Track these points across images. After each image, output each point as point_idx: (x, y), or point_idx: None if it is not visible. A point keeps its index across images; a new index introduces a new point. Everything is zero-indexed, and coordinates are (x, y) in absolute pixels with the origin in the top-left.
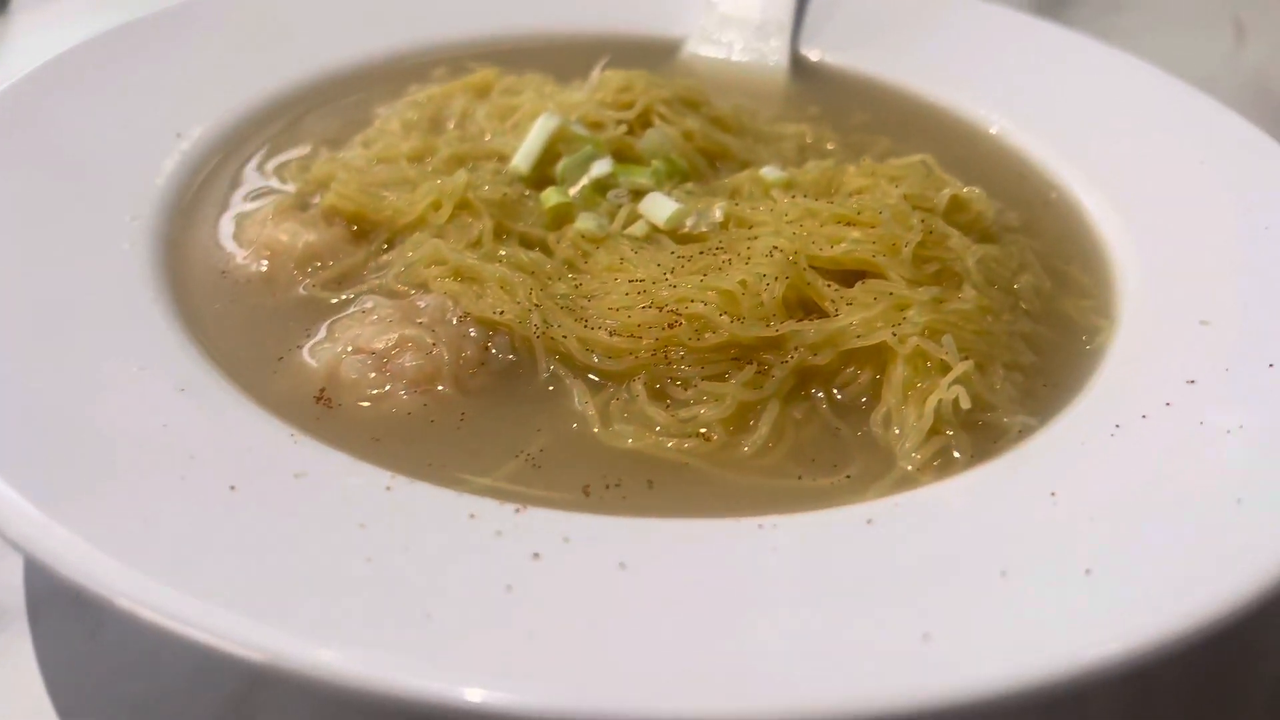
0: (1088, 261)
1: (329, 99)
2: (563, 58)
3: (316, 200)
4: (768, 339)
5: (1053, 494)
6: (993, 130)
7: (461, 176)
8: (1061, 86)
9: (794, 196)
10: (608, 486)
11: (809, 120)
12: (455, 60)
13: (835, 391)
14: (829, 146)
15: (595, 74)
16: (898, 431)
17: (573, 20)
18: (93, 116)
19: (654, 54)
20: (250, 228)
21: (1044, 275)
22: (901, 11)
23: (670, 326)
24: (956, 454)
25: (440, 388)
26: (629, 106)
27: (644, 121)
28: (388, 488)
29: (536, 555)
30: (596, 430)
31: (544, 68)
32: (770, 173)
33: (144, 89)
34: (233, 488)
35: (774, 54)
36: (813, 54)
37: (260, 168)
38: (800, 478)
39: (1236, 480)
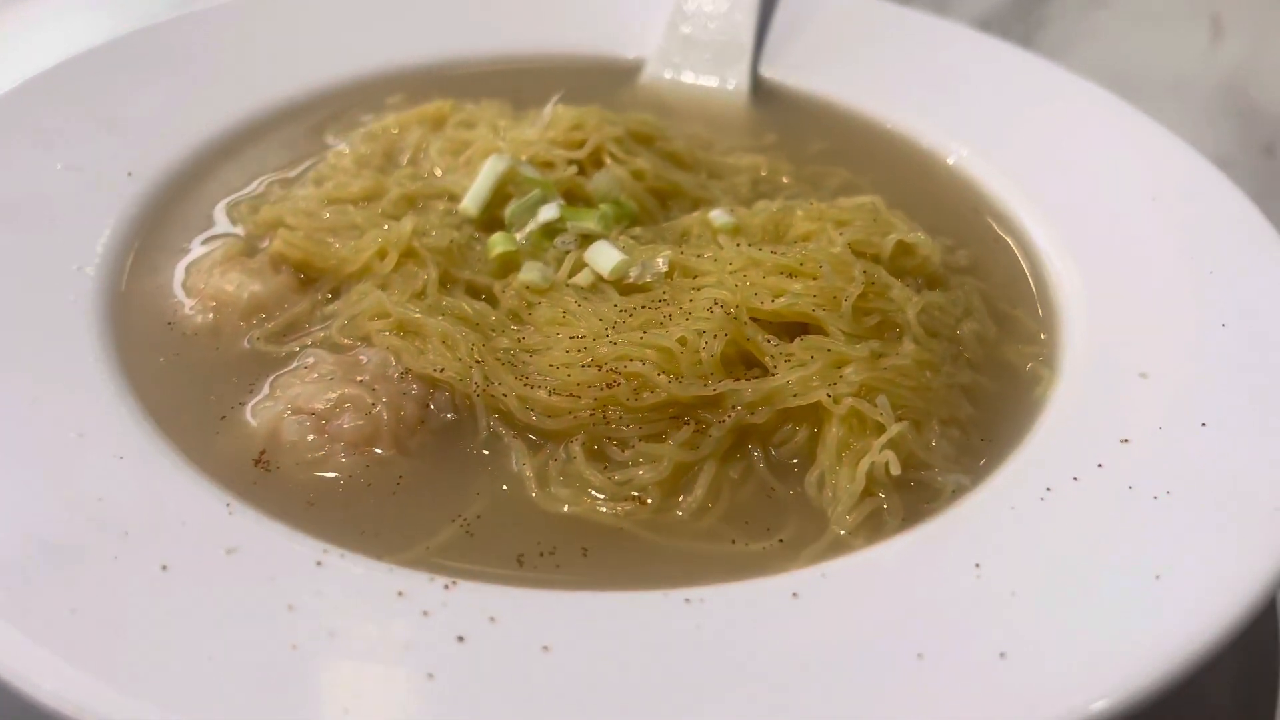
0: (1034, 305)
1: (283, 128)
2: (524, 80)
3: (265, 244)
4: (705, 398)
5: (977, 565)
6: (950, 160)
7: (407, 224)
8: (1021, 114)
9: (739, 244)
10: (542, 554)
11: (766, 150)
12: (414, 85)
13: (772, 450)
14: (784, 180)
15: (548, 110)
16: (830, 494)
17: (534, 42)
18: (39, 158)
19: (616, 75)
20: (197, 277)
21: (989, 321)
22: (865, 33)
23: (609, 386)
24: (888, 518)
25: (379, 450)
26: (580, 145)
27: (595, 160)
28: (318, 563)
29: (461, 639)
30: (533, 494)
31: (504, 91)
32: (718, 217)
33: (93, 126)
34: (164, 567)
35: (735, 78)
36: (774, 75)
37: (212, 207)
38: (734, 542)
39: (1157, 554)
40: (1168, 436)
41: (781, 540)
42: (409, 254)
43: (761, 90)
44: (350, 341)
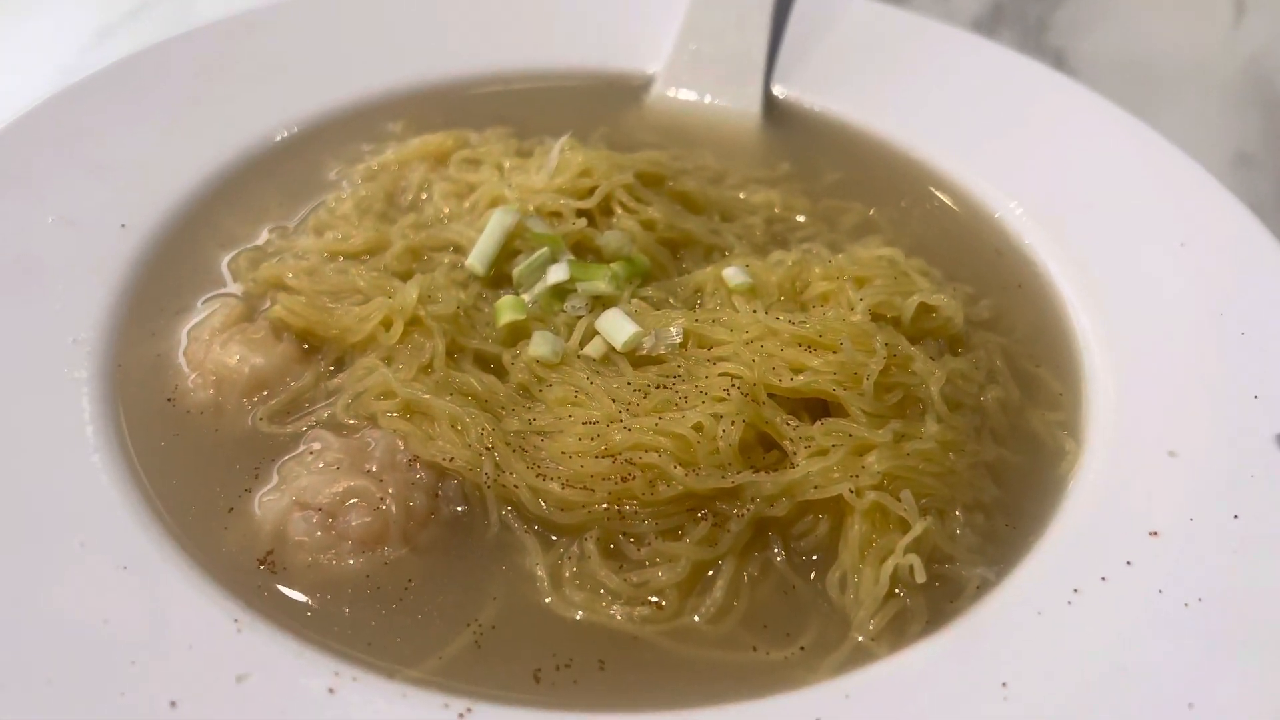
0: (1059, 363)
1: (281, 163)
2: (529, 101)
3: (266, 306)
4: (723, 490)
5: (1004, 685)
6: (972, 192)
7: (413, 291)
8: (1045, 141)
9: (755, 309)
10: (558, 668)
11: (779, 183)
12: (416, 108)
13: (792, 542)
14: (799, 219)
15: (554, 155)
16: (853, 596)
17: (539, 60)
18: (30, 211)
19: (623, 94)
20: (196, 347)
21: (1012, 385)
22: (884, 48)
23: (624, 480)
24: (912, 621)
25: (388, 548)
26: (589, 193)
27: (604, 209)
28: (330, 690)
29: None
30: (548, 600)
31: (510, 113)
32: (733, 276)
33: (83, 171)
34: (173, 704)
35: (746, 97)
36: (788, 93)
37: (209, 260)
38: (755, 649)
39: (1189, 677)
40: (1198, 530)
41: (803, 648)
42: (415, 323)
43: (774, 109)
44: (355, 421)
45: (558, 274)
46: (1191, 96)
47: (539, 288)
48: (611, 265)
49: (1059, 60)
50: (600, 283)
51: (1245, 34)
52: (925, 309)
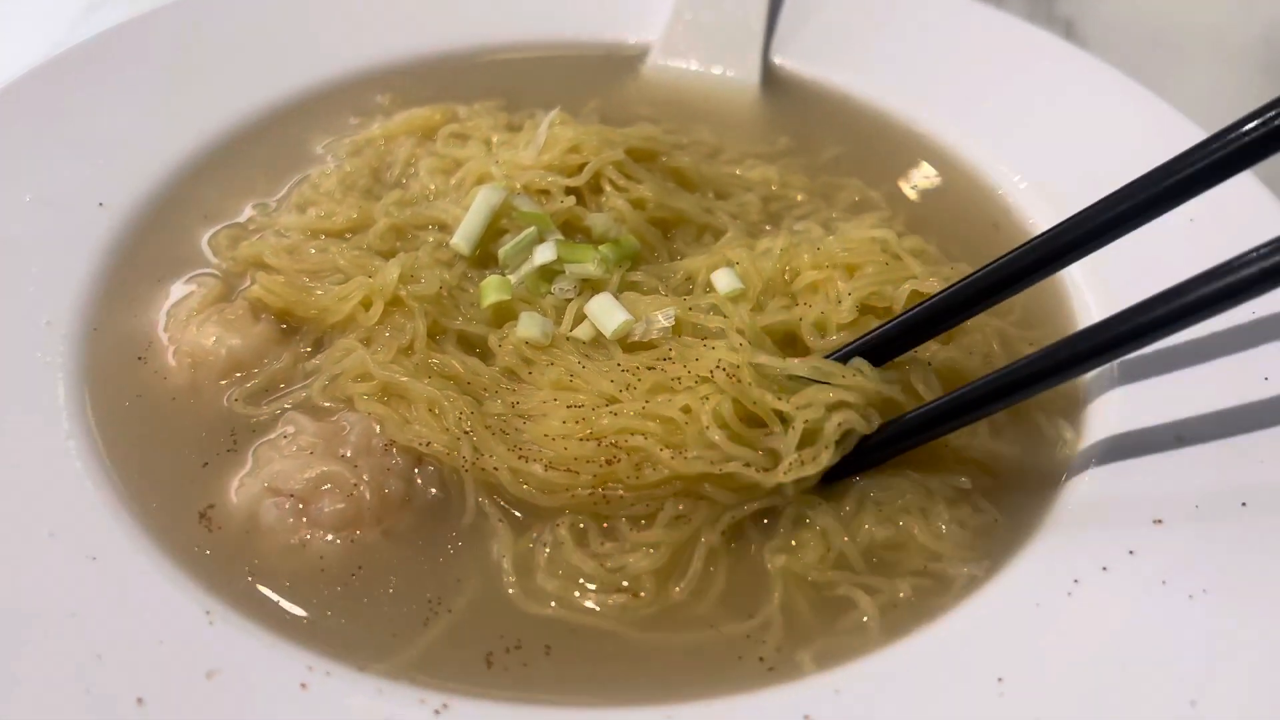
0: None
1: (265, 137)
2: (521, 70)
3: (245, 286)
4: (711, 475)
5: (1000, 680)
6: (972, 165)
7: (394, 270)
8: (1052, 113)
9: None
10: (508, 650)
11: (777, 159)
12: (405, 79)
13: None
14: (798, 198)
15: (543, 129)
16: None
17: (532, 29)
18: (6, 189)
19: (618, 64)
20: (173, 329)
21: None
22: (886, 17)
23: (609, 462)
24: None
25: (361, 533)
26: (578, 170)
27: (594, 187)
28: (303, 685)
29: None
30: (512, 591)
31: (501, 83)
32: (721, 280)
33: (61, 148)
34: (140, 700)
35: (744, 67)
36: (786, 63)
37: (189, 239)
38: (713, 627)
39: (1192, 673)
40: (1204, 519)
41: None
42: (395, 303)
43: (773, 79)
44: (331, 404)
45: (545, 254)
46: (1206, 64)
47: (525, 268)
48: (600, 247)
49: (1069, 28)
50: (589, 265)
51: (1259, 1)
52: (918, 295)
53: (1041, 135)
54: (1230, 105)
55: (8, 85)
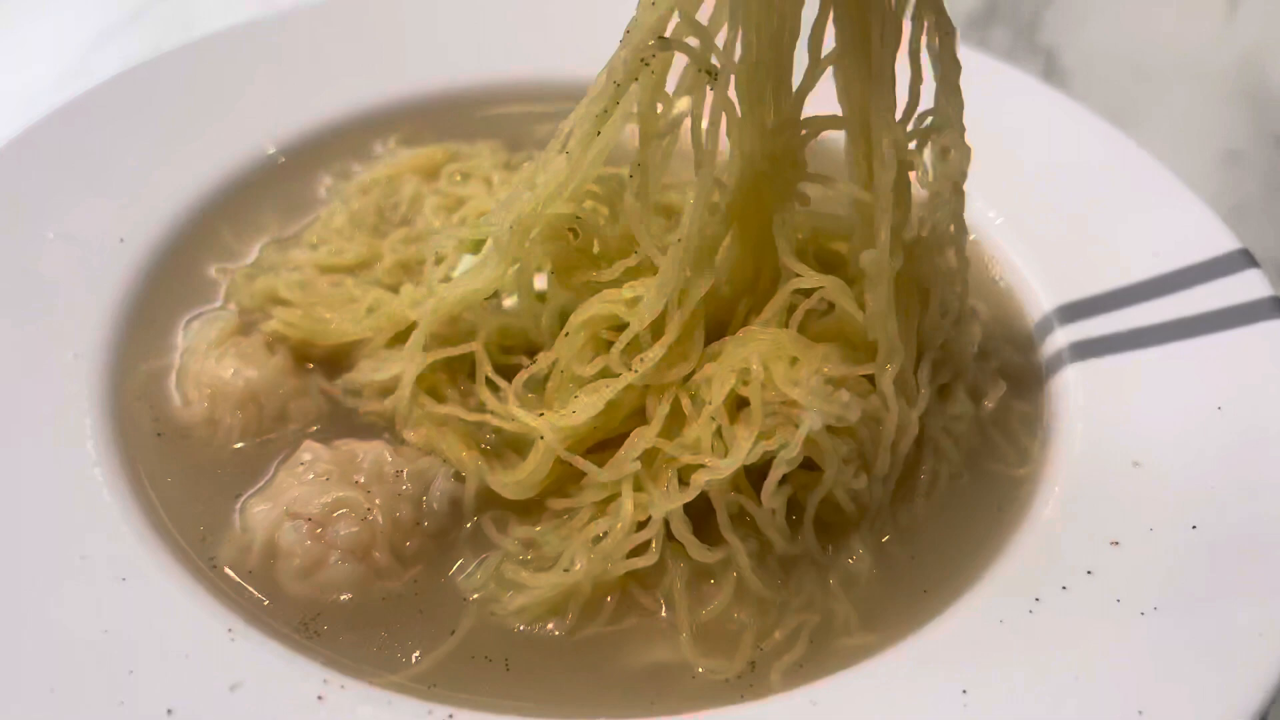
0: (1024, 376)
1: (277, 176)
2: (521, 116)
3: (261, 321)
4: None
5: (964, 691)
6: None
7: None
8: (1028, 151)
9: None
10: (507, 663)
11: None
12: (412, 122)
13: None
14: None
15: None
16: None
17: (531, 74)
18: (31, 227)
19: None
20: (192, 361)
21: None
22: None
23: None
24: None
25: (375, 555)
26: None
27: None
28: (319, 697)
29: None
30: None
31: (499, 128)
32: None
33: (82, 186)
34: (169, 711)
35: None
36: None
37: (205, 274)
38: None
39: (1141, 684)
40: (1158, 540)
41: None
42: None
43: None
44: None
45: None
46: (1182, 93)
47: None
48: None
49: (1050, 58)
50: None
51: (1237, 30)
52: None
53: (1019, 173)
54: (1202, 132)
55: (32, 126)
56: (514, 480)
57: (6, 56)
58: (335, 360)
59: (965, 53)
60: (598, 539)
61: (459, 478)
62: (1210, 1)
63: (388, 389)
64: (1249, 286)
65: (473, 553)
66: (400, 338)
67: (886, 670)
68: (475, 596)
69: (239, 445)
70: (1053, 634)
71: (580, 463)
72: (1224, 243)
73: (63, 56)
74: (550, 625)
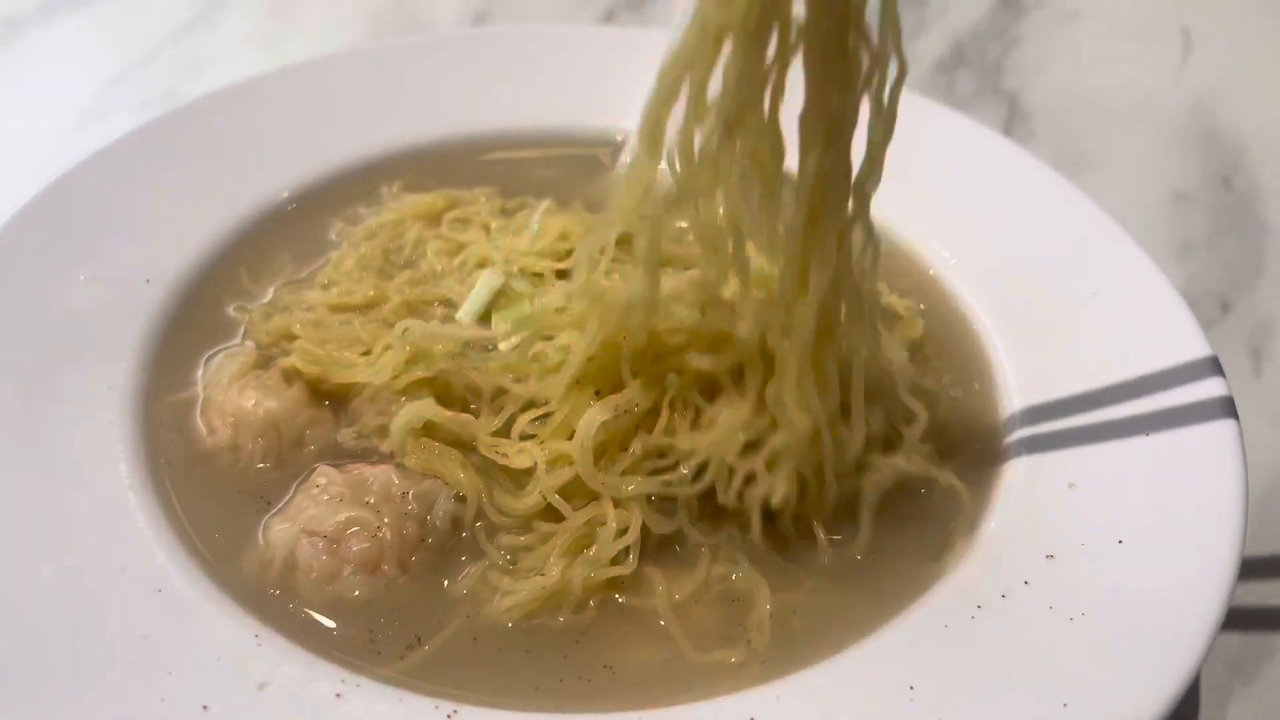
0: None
1: (291, 223)
2: (517, 162)
3: (278, 356)
4: None
5: (911, 687)
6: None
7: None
8: (981, 199)
9: None
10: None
11: None
12: (414, 169)
13: None
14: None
15: (536, 219)
16: None
17: (522, 125)
18: (61, 274)
19: (603, 157)
20: (215, 392)
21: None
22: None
23: None
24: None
25: (385, 568)
26: (567, 255)
27: None
28: (337, 694)
29: None
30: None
31: (494, 174)
32: None
33: (110, 231)
34: (205, 708)
35: None
36: None
37: (226, 313)
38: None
39: (1068, 680)
40: (1089, 554)
41: None
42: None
43: None
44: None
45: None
46: (1135, 135)
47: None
48: None
49: (1014, 101)
50: None
51: (1191, 74)
52: None
53: (969, 218)
54: (1152, 172)
55: (62, 175)
56: (511, 510)
57: (22, 99)
58: (345, 394)
59: (928, 104)
60: (580, 549)
61: (459, 498)
62: (1165, 48)
63: (385, 430)
64: (1175, 322)
65: (470, 561)
66: (406, 376)
67: (840, 667)
68: (465, 593)
69: (260, 469)
70: (992, 637)
71: (561, 506)
72: (1155, 284)
73: (78, 98)
74: (543, 620)
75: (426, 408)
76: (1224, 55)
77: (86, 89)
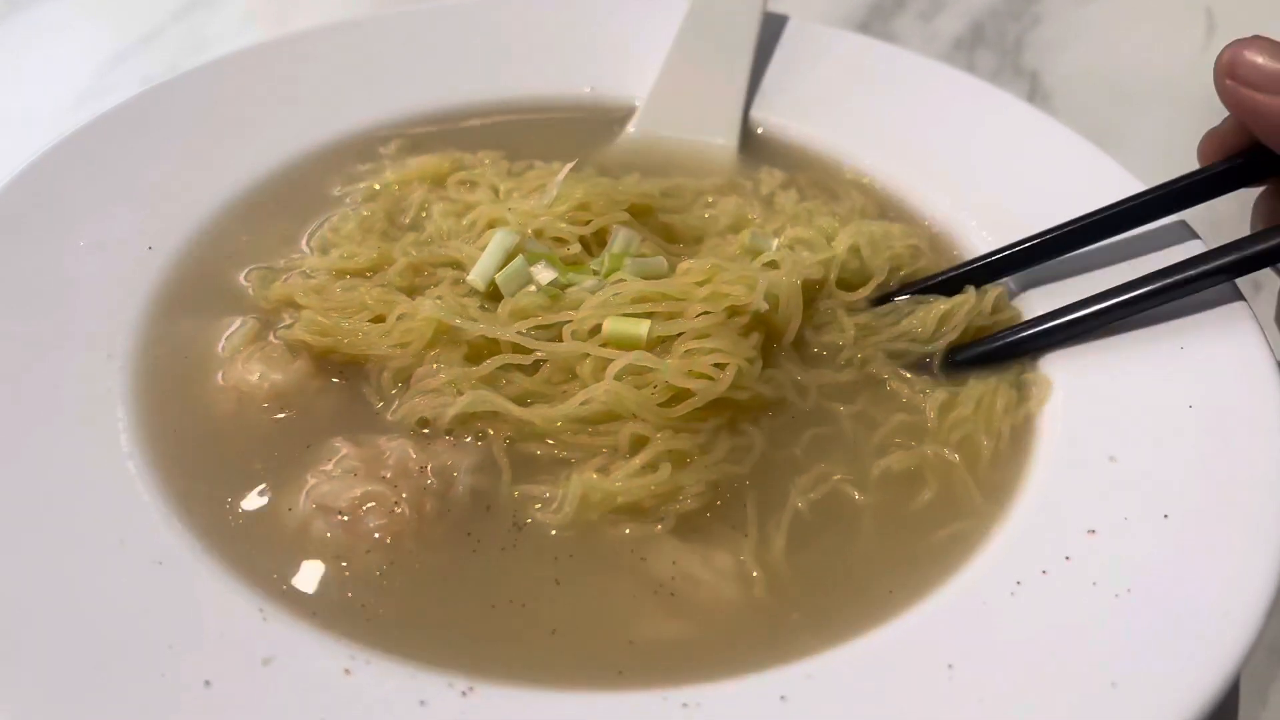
0: None
1: (291, 187)
2: (516, 130)
3: (281, 324)
4: None
5: (950, 666)
6: (942, 221)
7: (430, 316)
8: (1017, 173)
9: None
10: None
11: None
12: (414, 133)
13: None
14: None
15: (555, 185)
16: None
17: (529, 89)
18: (62, 236)
19: (607, 124)
20: (219, 364)
21: None
22: (867, 82)
23: None
24: None
25: (401, 544)
26: (586, 224)
27: (598, 239)
28: (346, 670)
29: None
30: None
31: (499, 139)
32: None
33: (111, 197)
34: (207, 683)
35: (725, 130)
36: (767, 127)
37: (227, 280)
38: None
39: (1115, 659)
40: (1132, 529)
41: None
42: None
43: (753, 143)
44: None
45: (545, 275)
46: (1159, 114)
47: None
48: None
49: (1035, 80)
50: (589, 279)
51: (1214, 53)
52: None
53: (1008, 192)
54: (1178, 151)
55: (60, 141)
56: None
57: (23, 76)
58: (356, 364)
59: (953, 73)
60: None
61: (479, 471)
62: (1189, 27)
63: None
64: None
65: (492, 535)
66: (432, 345)
67: (877, 644)
68: (484, 570)
69: (268, 442)
70: (1033, 614)
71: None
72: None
73: (79, 77)
74: (564, 597)
75: (484, 399)
76: (1247, 34)
77: (87, 68)
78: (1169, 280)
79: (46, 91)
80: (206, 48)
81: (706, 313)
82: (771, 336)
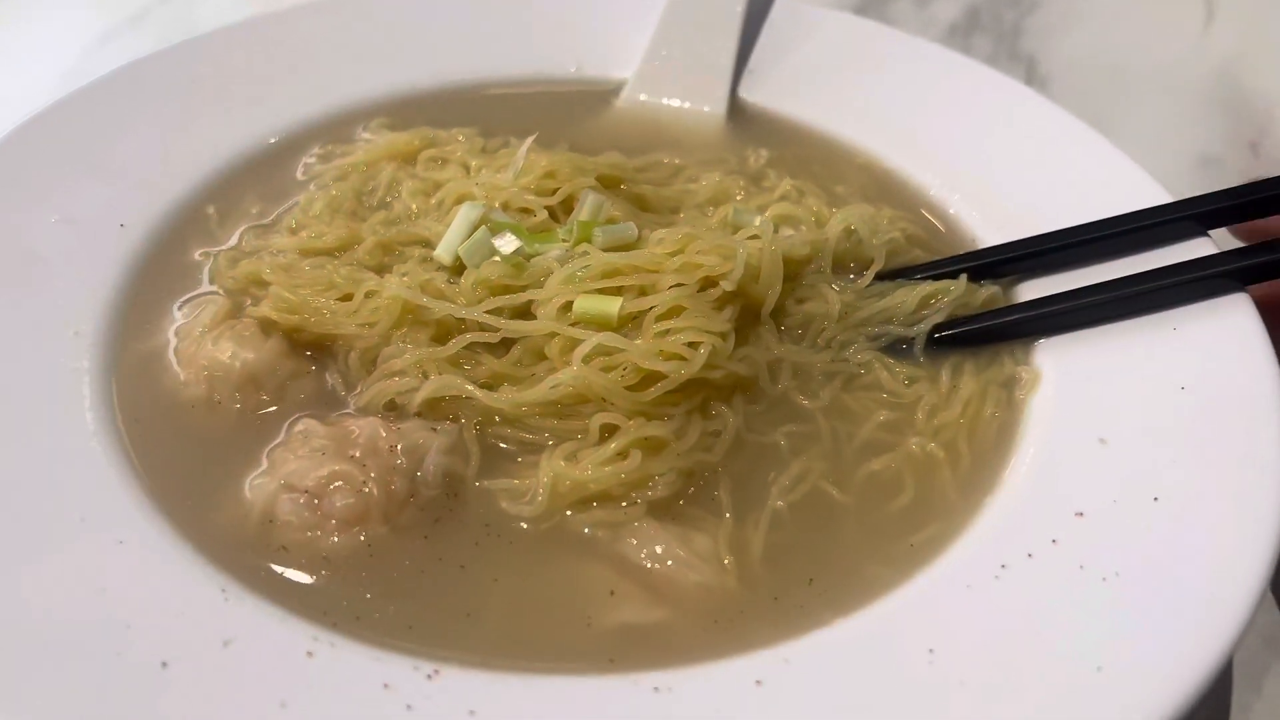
0: None
1: (265, 167)
2: (501, 102)
3: (250, 303)
4: None
5: (930, 650)
6: (938, 204)
7: (397, 295)
8: (1010, 154)
9: None
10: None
11: (731, 171)
12: (397, 110)
13: None
14: (738, 195)
15: (521, 154)
16: None
17: (514, 66)
18: (33, 212)
19: (597, 97)
20: (189, 343)
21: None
22: (855, 58)
23: None
24: None
25: (371, 526)
26: (553, 194)
27: (566, 208)
28: (309, 653)
29: None
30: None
31: (480, 114)
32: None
33: (84, 174)
34: (164, 664)
35: (712, 100)
36: (756, 99)
37: (199, 256)
38: None
39: (1101, 643)
40: (1121, 511)
41: None
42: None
43: (742, 114)
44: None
45: (507, 245)
46: (1159, 99)
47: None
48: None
49: (1031, 65)
50: (557, 246)
51: (1214, 39)
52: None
53: (1001, 174)
54: (1178, 136)
55: (35, 115)
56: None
57: (9, 57)
58: (324, 343)
59: (953, 56)
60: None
61: (451, 452)
62: (1188, 12)
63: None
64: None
65: (459, 518)
66: (399, 324)
67: (856, 629)
68: (452, 552)
69: (237, 422)
70: (1017, 598)
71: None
72: (1190, 231)
73: (65, 58)
74: (531, 580)
75: (450, 384)
76: (1246, 22)
77: (73, 49)
78: (1172, 280)
79: (31, 72)
80: (193, 30)
81: (679, 285)
82: (750, 308)
